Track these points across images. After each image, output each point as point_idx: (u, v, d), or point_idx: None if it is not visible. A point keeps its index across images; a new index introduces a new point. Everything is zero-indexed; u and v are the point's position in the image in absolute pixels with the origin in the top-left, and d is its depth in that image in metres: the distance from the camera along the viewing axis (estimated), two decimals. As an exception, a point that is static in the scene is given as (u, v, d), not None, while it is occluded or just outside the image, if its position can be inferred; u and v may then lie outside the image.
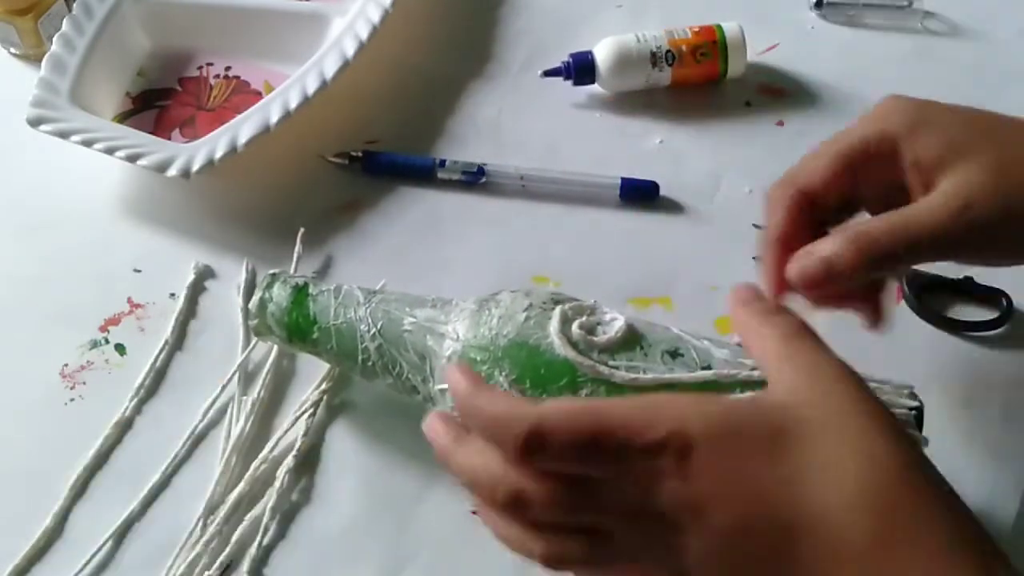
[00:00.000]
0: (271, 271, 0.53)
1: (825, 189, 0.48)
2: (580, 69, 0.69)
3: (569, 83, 0.70)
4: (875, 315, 0.48)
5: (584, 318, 0.47)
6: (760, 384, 0.43)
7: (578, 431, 0.37)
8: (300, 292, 0.52)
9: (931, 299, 0.59)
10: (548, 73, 0.70)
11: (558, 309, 0.47)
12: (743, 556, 0.37)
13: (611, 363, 0.45)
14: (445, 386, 0.47)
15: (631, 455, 0.37)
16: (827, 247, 0.45)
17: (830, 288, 0.45)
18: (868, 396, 0.39)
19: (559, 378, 0.45)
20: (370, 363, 0.50)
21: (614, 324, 0.47)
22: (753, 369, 0.45)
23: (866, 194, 0.49)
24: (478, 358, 0.46)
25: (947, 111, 0.48)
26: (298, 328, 0.52)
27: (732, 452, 0.37)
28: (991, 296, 0.59)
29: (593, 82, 0.69)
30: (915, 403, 0.45)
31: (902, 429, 0.38)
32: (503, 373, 0.46)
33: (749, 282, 0.45)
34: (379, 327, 0.50)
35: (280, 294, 0.52)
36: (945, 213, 0.45)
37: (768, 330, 0.42)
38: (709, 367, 0.45)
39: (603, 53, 0.69)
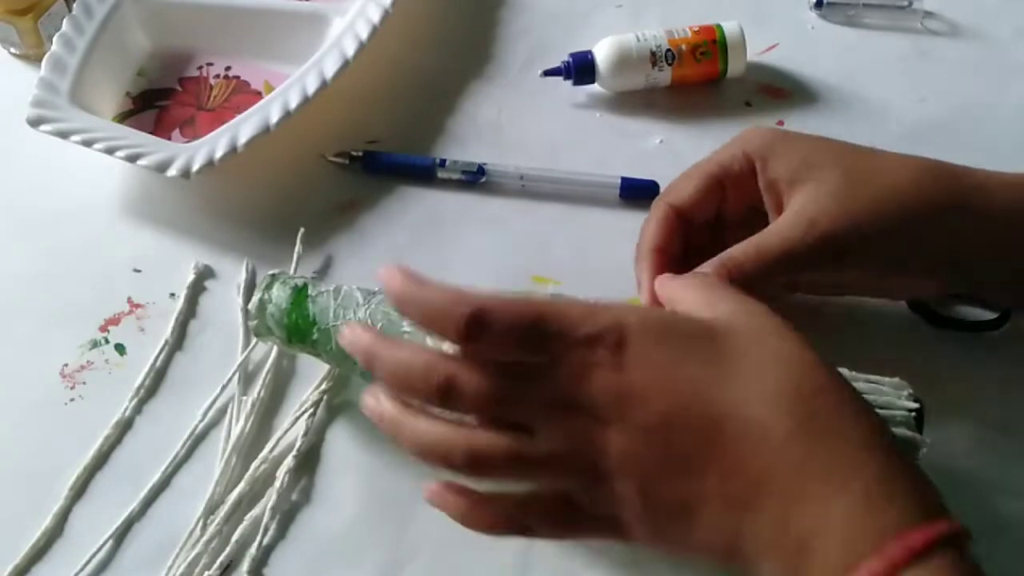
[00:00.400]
0: (271, 271, 0.53)
1: (692, 205, 0.53)
2: (580, 69, 0.69)
3: (569, 83, 0.70)
4: None
5: None
6: None
7: (520, 315, 0.39)
8: (299, 293, 0.52)
9: (931, 299, 0.59)
10: (548, 73, 0.70)
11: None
12: (666, 450, 0.38)
13: None
14: None
15: (568, 343, 0.39)
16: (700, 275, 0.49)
17: None
18: (787, 324, 0.42)
19: None
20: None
21: None
22: None
23: (730, 213, 0.54)
24: None
25: (801, 138, 0.53)
26: (297, 329, 0.52)
27: (666, 349, 0.39)
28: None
29: (593, 82, 0.69)
30: (915, 404, 0.45)
31: (817, 351, 0.41)
32: None
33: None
34: (379, 328, 0.50)
35: (279, 295, 0.52)
36: (794, 231, 0.49)
37: (692, 282, 0.45)
38: None
39: (603, 53, 0.69)
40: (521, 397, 0.40)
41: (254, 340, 0.57)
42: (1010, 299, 0.55)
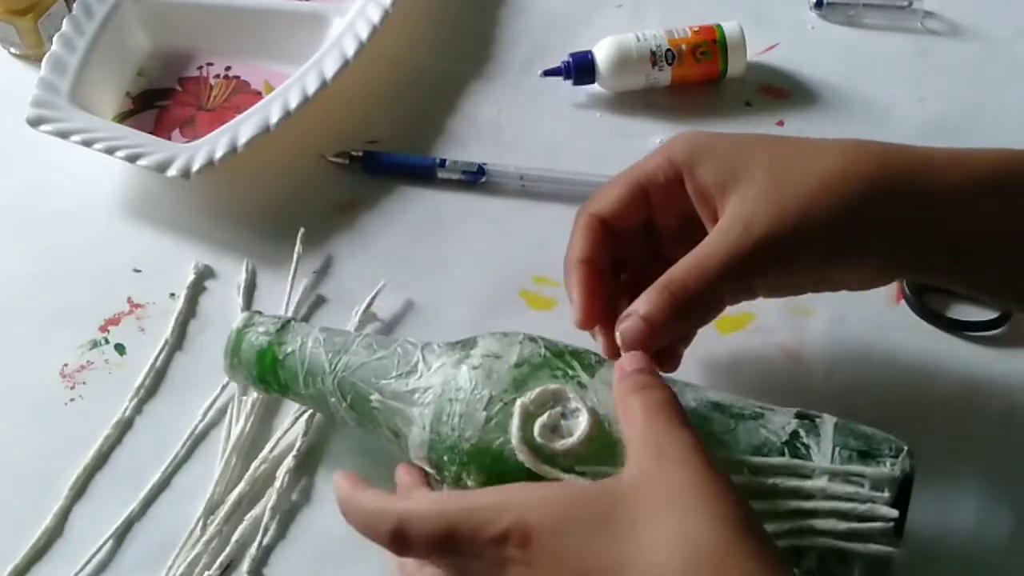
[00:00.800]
0: (235, 327, 0.51)
1: (616, 215, 0.51)
2: (580, 69, 0.69)
3: (569, 83, 0.70)
4: (671, 362, 0.51)
5: (547, 415, 0.44)
6: None
7: (433, 530, 0.41)
8: (265, 357, 0.50)
9: (931, 299, 0.59)
10: (548, 73, 0.70)
11: (518, 406, 0.44)
12: None
13: (578, 468, 0.43)
14: (422, 466, 0.47)
15: (481, 545, 0.40)
16: (642, 304, 0.47)
17: (658, 342, 0.47)
18: (705, 474, 0.39)
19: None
20: (349, 425, 0.50)
21: (579, 420, 0.43)
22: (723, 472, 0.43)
23: (663, 225, 0.52)
24: (446, 458, 0.45)
25: (726, 139, 0.50)
26: (275, 390, 0.51)
27: (567, 539, 0.39)
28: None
29: (593, 82, 0.69)
30: (894, 513, 0.42)
31: (732, 505, 0.38)
32: (470, 477, 0.45)
33: (635, 352, 0.46)
34: (348, 400, 0.49)
35: (248, 358, 0.51)
36: (731, 239, 0.47)
37: (634, 406, 0.43)
38: None
39: (603, 52, 0.69)
40: None
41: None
42: (962, 286, 0.51)
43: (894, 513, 0.42)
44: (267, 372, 0.50)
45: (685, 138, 0.51)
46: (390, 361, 0.48)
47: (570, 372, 0.45)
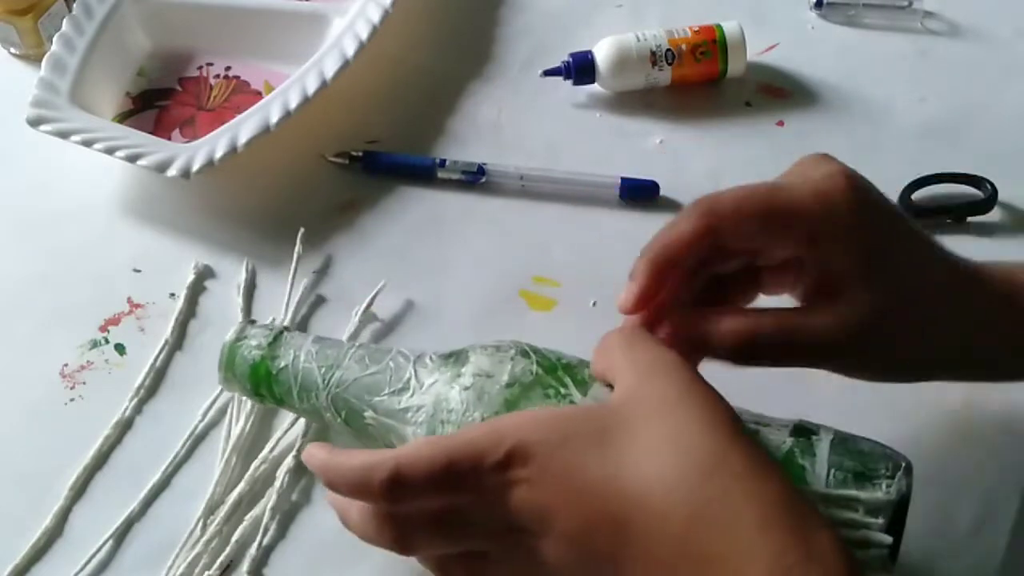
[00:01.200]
0: (228, 340, 0.51)
1: (735, 231, 0.45)
2: (580, 68, 0.69)
3: (569, 83, 0.70)
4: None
5: None
6: None
7: (431, 466, 0.40)
8: (259, 371, 0.50)
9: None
10: (548, 73, 0.70)
11: None
12: (591, 553, 0.39)
13: None
14: None
15: (483, 476, 0.40)
16: (714, 325, 0.45)
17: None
18: (693, 385, 0.40)
19: None
20: (345, 436, 0.50)
21: None
22: None
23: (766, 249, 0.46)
24: None
25: (878, 221, 0.45)
26: (271, 401, 0.51)
27: (568, 455, 0.39)
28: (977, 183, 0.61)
29: (593, 81, 0.69)
30: (888, 539, 0.41)
31: (721, 412, 0.39)
32: None
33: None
34: (343, 416, 0.49)
35: (242, 372, 0.51)
36: (837, 328, 0.44)
37: (614, 339, 0.43)
38: None
39: (603, 52, 0.69)
40: (462, 533, 0.41)
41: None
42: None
43: (888, 540, 0.41)
44: (261, 386, 0.50)
45: (844, 197, 0.44)
46: (383, 377, 0.48)
47: (562, 390, 0.45)
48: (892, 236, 0.45)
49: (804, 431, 0.44)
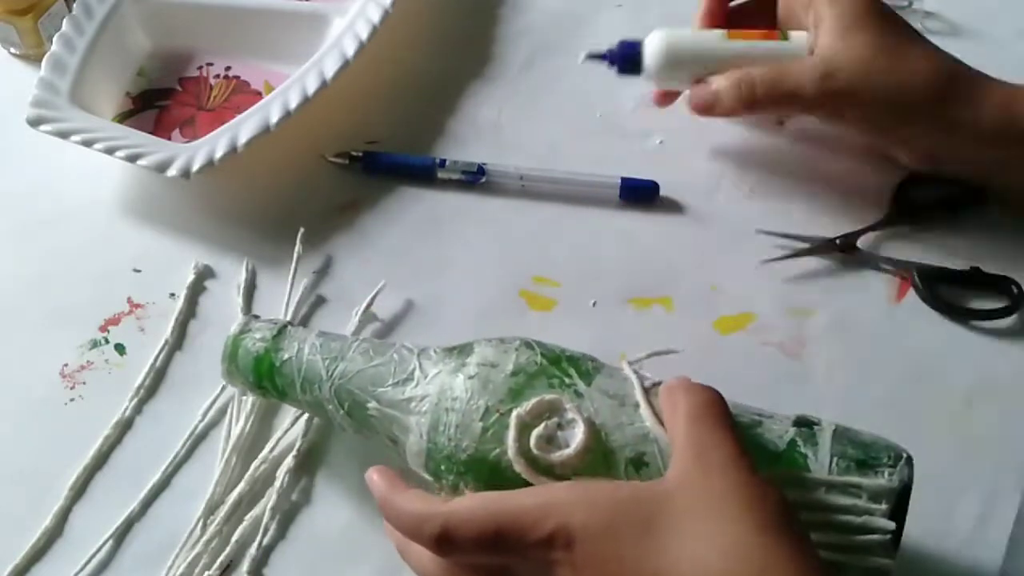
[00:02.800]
0: (232, 333, 0.51)
1: None
2: (626, 59, 0.64)
3: (569, 83, 0.69)
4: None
5: (543, 426, 0.44)
6: None
7: (480, 531, 0.41)
8: (262, 364, 0.50)
9: (941, 289, 0.59)
10: (592, 56, 0.65)
11: (514, 417, 0.44)
12: None
13: (575, 480, 0.43)
14: (420, 474, 0.47)
15: (527, 548, 0.40)
16: (718, 83, 0.60)
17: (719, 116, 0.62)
18: (749, 487, 0.40)
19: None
20: (347, 431, 0.50)
21: (575, 431, 0.43)
22: None
23: None
24: (443, 467, 0.45)
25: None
26: (273, 395, 0.51)
27: (610, 543, 0.39)
28: (1001, 285, 0.59)
29: (639, 73, 0.65)
30: (891, 525, 0.42)
31: (772, 512, 0.39)
32: (468, 487, 0.45)
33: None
34: (346, 408, 0.49)
35: (245, 364, 0.51)
36: (811, 76, 0.58)
37: (680, 406, 0.43)
38: None
39: (653, 46, 0.64)
40: None
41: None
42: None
43: (891, 526, 0.41)
44: (264, 378, 0.50)
45: None
46: (387, 368, 0.48)
47: (566, 380, 0.45)
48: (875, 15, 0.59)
49: (806, 423, 0.45)
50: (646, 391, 0.45)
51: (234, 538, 0.51)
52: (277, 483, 0.53)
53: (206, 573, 0.50)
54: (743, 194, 0.65)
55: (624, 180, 0.64)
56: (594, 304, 0.60)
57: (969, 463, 0.53)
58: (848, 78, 0.57)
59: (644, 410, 0.44)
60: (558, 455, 0.43)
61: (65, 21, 0.68)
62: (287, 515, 0.53)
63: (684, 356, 0.55)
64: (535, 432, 0.43)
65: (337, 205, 0.65)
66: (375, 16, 0.68)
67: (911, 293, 0.60)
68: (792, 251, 0.61)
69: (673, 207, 0.64)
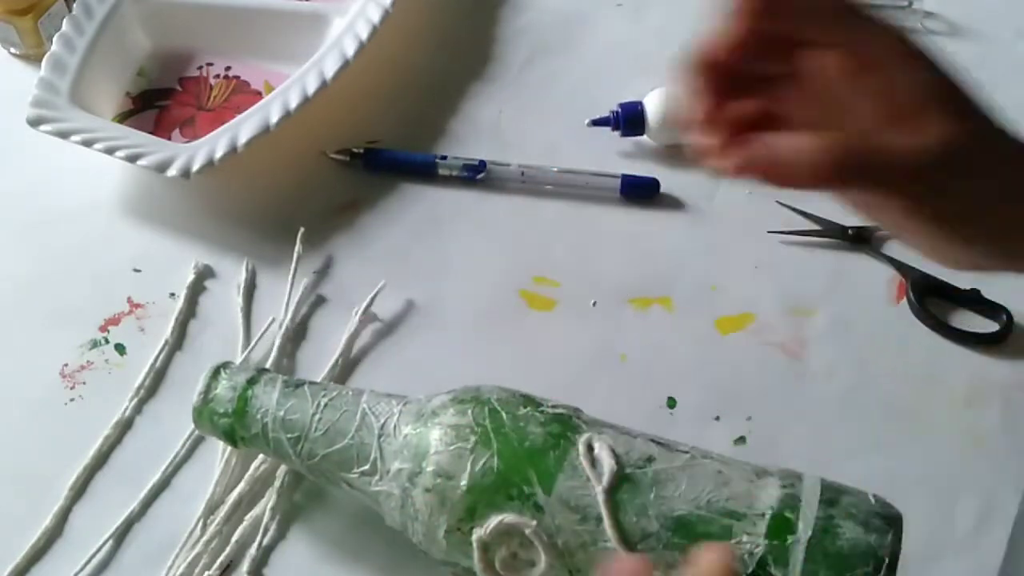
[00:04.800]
0: (194, 404, 0.49)
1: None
2: (629, 120, 0.66)
3: (569, 83, 0.69)
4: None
5: (505, 547, 0.44)
6: None
7: None
8: (232, 435, 0.49)
9: (932, 304, 0.59)
10: (596, 123, 0.66)
11: (476, 541, 0.44)
12: None
13: None
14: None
15: None
16: (787, 143, 0.40)
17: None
18: None
19: None
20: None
21: (538, 555, 0.43)
22: None
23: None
24: (424, 554, 0.46)
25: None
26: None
27: None
28: (993, 310, 0.59)
29: (643, 134, 0.66)
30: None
31: None
32: (451, 571, 0.46)
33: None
34: (323, 481, 0.49)
35: (216, 432, 0.50)
36: (914, 143, 0.40)
37: None
38: None
39: (653, 104, 0.65)
40: None
41: (254, 340, 0.58)
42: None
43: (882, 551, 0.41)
44: (239, 446, 0.50)
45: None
46: (350, 454, 0.47)
47: (525, 490, 0.44)
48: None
49: (783, 512, 0.42)
50: (608, 494, 0.43)
51: (234, 538, 0.51)
52: (277, 483, 0.53)
53: (206, 573, 0.50)
54: (743, 194, 0.65)
55: (625, 177, 0.64)
56: (594, 304, 0.60)
57: (969, 463, 0.53)
58: (944, 150, 0.40)
59: (607, 525, 0.43)
60: (525, 574, 0.44)
61: (65, 21, 0.68)
62: (287, 515, 0.52)
63: (684, 356, 0.55)
64: (498, 554, 0.44)
65: (337, 205, 0.65)
66: (375, 16, 0.68)
67: (910, 294, 0.60)
68: (802, 231, 0.61)
69: (673, 206, 0.64)
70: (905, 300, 0.59)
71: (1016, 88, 0.70)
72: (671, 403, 0.56)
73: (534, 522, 0.43)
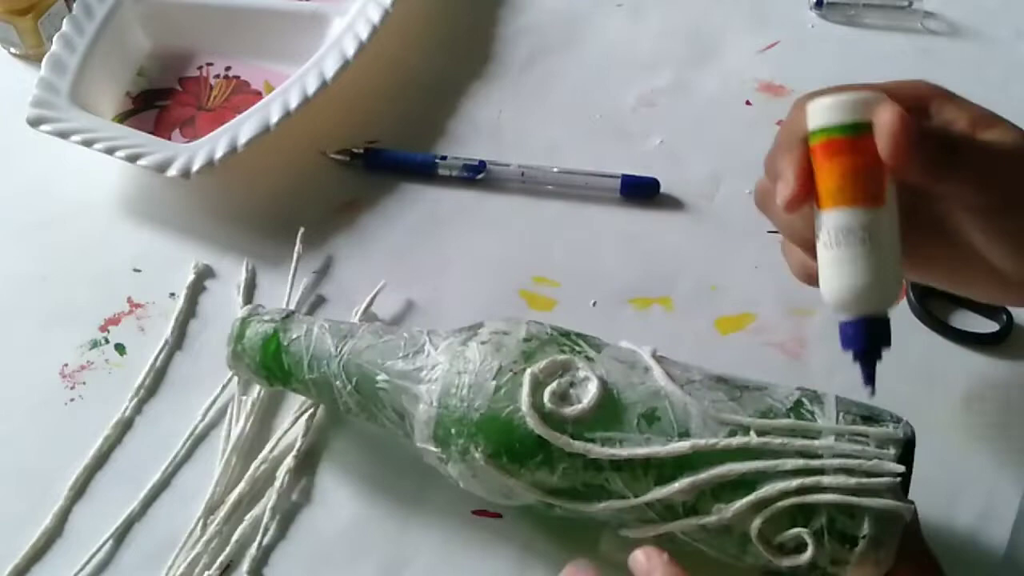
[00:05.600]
0: (240, 316, 0.52)
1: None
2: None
3: (569, 83, 0.69)
4: None
5: (556, 383, 0.45)
6: (734, 452, 0.43)
7: None
8: (270, 344, 0.50)
9: (932, 304, 0.59)
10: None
11: (528, 374, 0.45)
12: None
13: (587, 435, 0.44)
14: (426, 446, 0.47)
15: None
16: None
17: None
18: None
19: (535, 454, 0.45)
20: (351, 412, 0.50)
21: (588, 388, 0.45)
22: (731, 435, 0.44)
23: None
24: (453, 431, 0.46)
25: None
26: (277, 379, 0.51)
27: None
28: (993, 310, 0.59)
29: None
30: (900, 468, 0.43)
31: None
32: (479, 448, 0.45)
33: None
34: (354, 383, 0.49)
35: (252, 344, 0.51)
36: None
37: None
38: (687, 432, 0.44)
39: None
40: None
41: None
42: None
43: (900, 468, 0.43)
44: (271, 359, 0.51)
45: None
46: (396, 343, 0.49)
47: (577, 348, 0.47)
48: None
49: (810, 390, 0.46)
50: (657, 359, 0.47)
51: (234, 538, 0.51)
52: (277, 483, 0.53)
53: (206, 573, 0.50)
54: (743, 194, 0.65)
55: (625, 177, 0.64)
56: (594, 304, 0.60)
57: (969, 463, 0.53)
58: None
59: (656, 371, 0.46)
60: (571, 410, 0.44)
61: (65, 21, 0.68)
62: (287, 515, 0.52)
63: (684, 356, 0.55)
64: (548, 388, 0.45)
65: (337, 204, 0.65)
66: (375, 16, 0.68)
67: (910, 294, 0.60)
68: None
69: (673, 206, 0.64)
70: (905, 300, 0.59)
71: (1016, 88, 0.70)
72: (671, 403, 0.56)
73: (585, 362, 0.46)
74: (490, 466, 0.45)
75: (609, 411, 0.45)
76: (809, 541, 0.42)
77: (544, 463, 0.45)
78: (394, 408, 0.48)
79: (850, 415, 0.45)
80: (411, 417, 0.47)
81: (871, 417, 0.45)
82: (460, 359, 0.47)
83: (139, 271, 0.62)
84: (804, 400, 0.45)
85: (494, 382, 0.45)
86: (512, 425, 0.45)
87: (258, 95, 0.70)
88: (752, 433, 0.44)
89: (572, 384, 0.45)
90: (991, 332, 0.58)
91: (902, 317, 0.59)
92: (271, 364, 0.51)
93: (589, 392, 0.45)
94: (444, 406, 0.46)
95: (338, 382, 0.49)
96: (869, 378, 0.43)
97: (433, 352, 0.48)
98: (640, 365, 0.47)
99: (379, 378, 0.48)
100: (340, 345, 0.49)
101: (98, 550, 0.51)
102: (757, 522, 0.43)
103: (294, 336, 0.50)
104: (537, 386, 0.45)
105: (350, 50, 0.66)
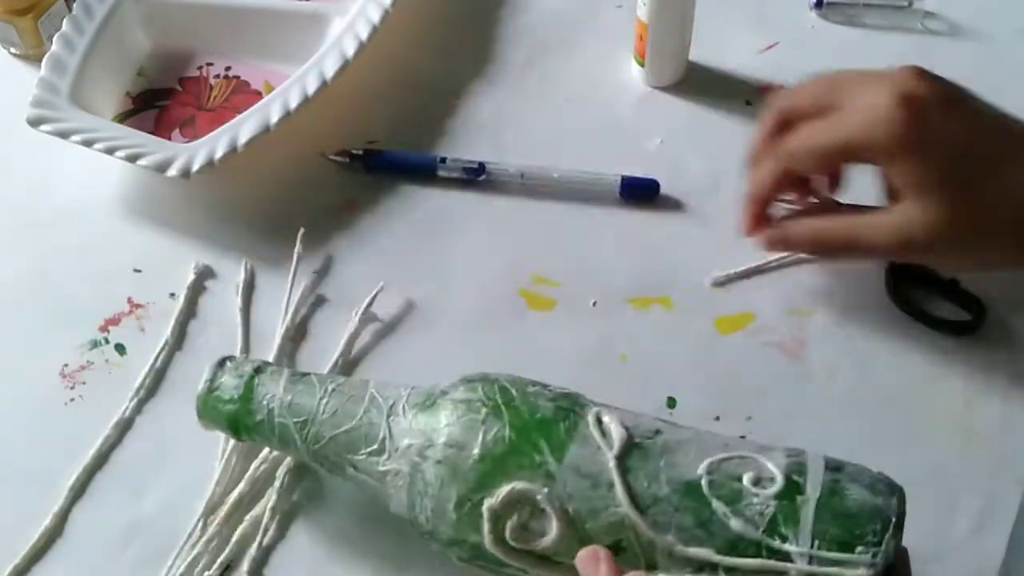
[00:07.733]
0: (199, 391, 0.49)
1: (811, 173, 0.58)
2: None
3: (569, 83, 0.69)
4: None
5: (516, 516, 0.43)
6: None
7: None
8: (236, 424, 0.49)
9: (906, 287, 0.59)
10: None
11: (487, 510, 0.43)
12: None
13: (555, 559, 0.43)
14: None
15: None
16: (794, 230, 0.57)
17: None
18: None
19: (508, 563, 0.44)
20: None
21: (550, 523, 0.43)
22: (699, 571, 0.42)
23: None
24: (426, 537, 0.46)
25: (934, 147, 0.52)
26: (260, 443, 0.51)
27: None
28: (966, 300, 0.58)
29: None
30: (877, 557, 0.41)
31: None
32: (455, 555, 0.46)
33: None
34: (327, 467, 0.48)
35: (219, 423, 0.49)
36: (890, 239, 0.52)
37: None
38: (654, 565, 0.42)
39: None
40: None
41: (252, 341, 0.58)
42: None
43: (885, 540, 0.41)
44: (242, 434, 0.50)
45: (892, 122, 0.52)
46: (358, 434, 0.47)
47: (536, 459, 0.44)
48: (949, 158, 0.51)
49: (792, 475, 0.43)
50: (619, 460, 0.43)
51: (234, 538, 0.51)
52: (277, 483, 0.53)
53: (206, 573, 0.50)
54: (743, 194, 0.65)
55: (625, 178, 0.64)
56: (594, 304, 0.60)
57: (969, 463, 0.53)
58: (927, 240, 0.52)
59: (619, 491, 0.43)
60: (535, 544, 0.43)
61: (65, 21, 0.68)
62: (287, 515, 0.52)
63: (684, 356, 0.55)
64: (509, 524, 0.43)
65: (337, 205, 0.65)
66: (375, 16, 0.68)
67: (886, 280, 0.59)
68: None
69: (673, 206, 0.64)
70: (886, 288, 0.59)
71: (1016, 88, 0.70)
72: (671, 403, 0.56)
73: (545, 489, 0.43)
74: (469, 565, 0.46)
75: (574, 540, 0.43)
76: None
77: (520, 569, 0.44)
78: (371, 492, 0.48)
79: (826, 542, 0.41)
80: (386, 500, 0.47)
81: (850, 543, 0.41)
82: (419, 476, 0.45)
83: (139, 271, 0.62)
84: (779, 519, 0.42)
85: (454, 513, 0.44)
86: (480, 548, 0.44)
87: (258, 95, 0.70)
88: (721, 572, 0.41)
89: (532, 514, 0.43)
90: (963, 321, 0.58)
91: (902, 317, 0.59)
92: (245, 438, 0.50)
93: (551, 527, 0.43)
94: (413, 519, 0.46)
95: (313, 463, 0.49)
96: None
97: (394, 454, 0.46)
98: (604, 480, 0.43)
99: (348, 470, 0.47)
100: (303, 432, 0.48)
101: (98, 550, 0.51)
102: None
103: (257, 419, 0.48)
104: (497, 520, 0.43)
105: (350, 50, 0.66)
